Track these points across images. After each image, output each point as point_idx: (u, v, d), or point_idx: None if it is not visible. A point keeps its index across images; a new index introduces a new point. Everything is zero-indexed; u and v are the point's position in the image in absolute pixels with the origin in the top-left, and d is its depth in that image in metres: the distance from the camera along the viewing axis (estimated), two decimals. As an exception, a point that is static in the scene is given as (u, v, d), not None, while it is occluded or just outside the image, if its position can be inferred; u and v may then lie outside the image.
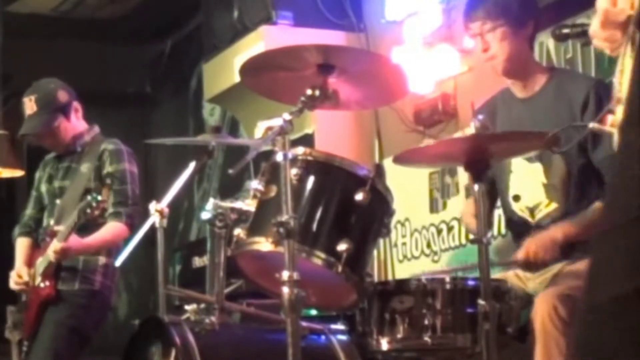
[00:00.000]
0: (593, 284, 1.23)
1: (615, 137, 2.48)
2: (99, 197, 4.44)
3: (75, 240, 4.55)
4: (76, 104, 4.90)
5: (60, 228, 4.60)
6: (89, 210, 4.43)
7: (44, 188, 4.95)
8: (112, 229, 4.67)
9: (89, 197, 4.46)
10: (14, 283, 4.79)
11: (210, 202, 3.61)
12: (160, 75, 8.25)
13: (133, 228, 4.67)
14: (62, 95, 4.85)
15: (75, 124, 4.89)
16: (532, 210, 3.69)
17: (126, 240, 4.95)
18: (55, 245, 4.55)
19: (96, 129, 4.97)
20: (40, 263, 4.71)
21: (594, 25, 2.36)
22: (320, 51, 3.21)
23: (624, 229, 1.17)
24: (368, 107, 4.75)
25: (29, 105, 4.82)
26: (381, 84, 3.40)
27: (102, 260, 4.73)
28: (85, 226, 4.60)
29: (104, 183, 4.68)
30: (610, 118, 2.56)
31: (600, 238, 1.23)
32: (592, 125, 2.73)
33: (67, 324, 4.65)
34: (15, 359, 4.74)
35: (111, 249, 4.76)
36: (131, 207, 4.70)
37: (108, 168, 4.74)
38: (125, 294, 8.16)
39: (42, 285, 4.67)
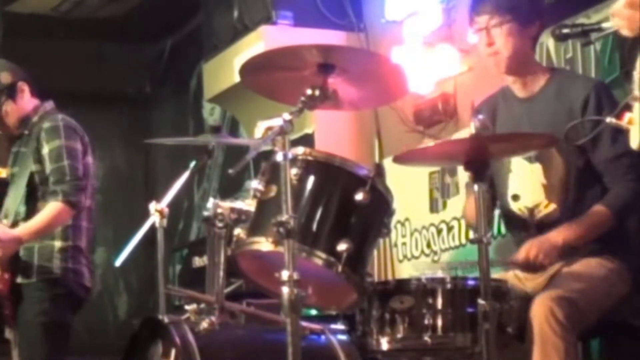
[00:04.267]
0: None
1: (631, 134, 2.46)
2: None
3: (2, 233, 4.36)
4: (21, 84, 4.61)
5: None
6: None
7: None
8: (48, 210, 4.38)
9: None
10: None
11: (210, 202, 3.60)
12: (160, 75, 8.25)
13: (75, 206, 4.41)
14: (5, 77, 4.58)
15: (22, 105, 4.60)
16: (531, 211, 3.68)
17: (125, 240, 4.94)
18: None
19: (47, 106, 4.65)
20: None
21: (618, 4, 2.35)
22: (320, 51, 3.21)
23: None
24: (368, 107, 4.75)
25: None
26: (381, 84, 3.40)
27: (58, 244, 4.47)
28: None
29: (44, 164, 4.44)
30: (627, 115, 2.55)
31: None
32: (609, 120, 2.73)
33: (38, 323, 4.44)
34: (15, 359, 4.73)
35: (67, 231, 4.49)
36: (68, 184, 4.40)
37: (45, 148, 4.46)
38: (125, 294, 8.16)
39: None
